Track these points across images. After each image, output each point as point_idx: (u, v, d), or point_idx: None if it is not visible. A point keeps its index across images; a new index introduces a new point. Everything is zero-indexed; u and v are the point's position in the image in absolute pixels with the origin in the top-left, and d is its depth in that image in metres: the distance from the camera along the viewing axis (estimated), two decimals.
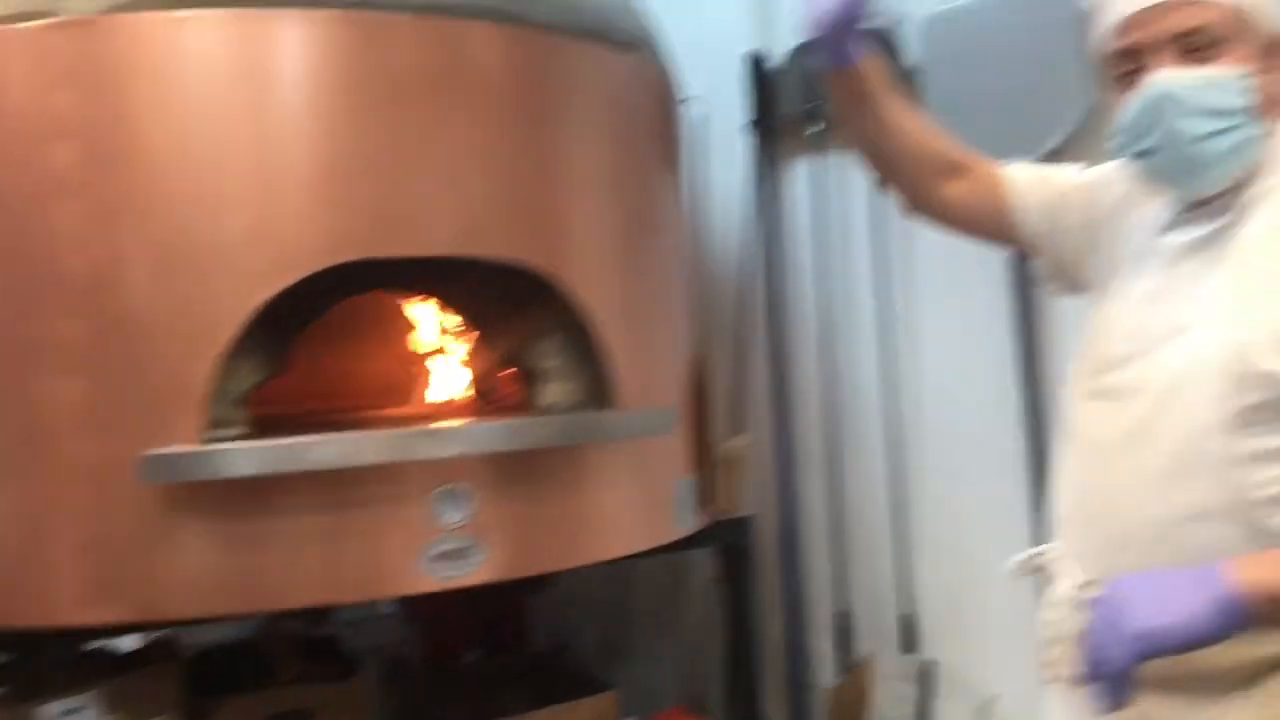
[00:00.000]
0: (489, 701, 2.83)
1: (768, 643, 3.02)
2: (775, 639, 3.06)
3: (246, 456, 1.99)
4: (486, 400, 2.69)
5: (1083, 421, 1.42)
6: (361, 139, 2.14)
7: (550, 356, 2.46)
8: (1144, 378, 1.33)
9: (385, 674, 3.04)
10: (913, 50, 2.98)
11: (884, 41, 3.01)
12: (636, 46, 2.58)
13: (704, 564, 3.15)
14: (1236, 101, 1.30)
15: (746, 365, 3.26)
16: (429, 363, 2.83)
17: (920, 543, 2.87)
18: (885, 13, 3.07)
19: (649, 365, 2.55)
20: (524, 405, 2.49)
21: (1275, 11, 1.36)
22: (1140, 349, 1.36)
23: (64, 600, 2.04)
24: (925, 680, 2.79)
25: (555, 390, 2.46)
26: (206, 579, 2.04)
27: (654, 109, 2.66)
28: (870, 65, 1.68)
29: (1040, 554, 1.50)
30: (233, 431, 2.13)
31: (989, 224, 1.69)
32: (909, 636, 2.84)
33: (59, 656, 2.38)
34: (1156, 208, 1.44)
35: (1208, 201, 1.36)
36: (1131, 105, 1.34)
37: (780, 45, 3.24)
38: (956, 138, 1.81)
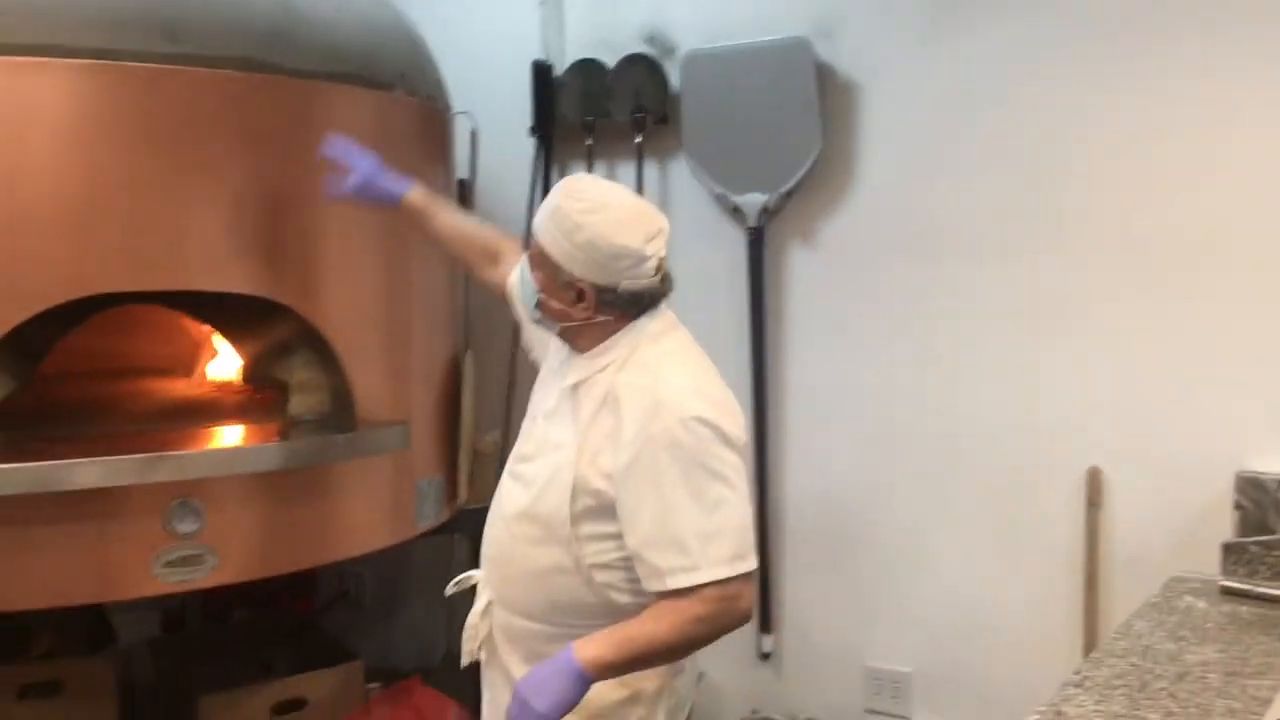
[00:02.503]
0: (248, 662, 3.10)
1: None
2: None
3: None
4: (242, 395, 2.88)
5: (503, 492, 1.99)
6: (109, 181, 2.30)
7: (298, 370, 2.68)
8: (534, 473, 1.89)
9: (152, 640, 3.28)
10: (674, 81, 3.23)
11: (652, 68, 3.27)
12: (395, 82, 2.75)
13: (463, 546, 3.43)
14: (531, 298, 1.90)
15: (518, 365, 3.50)
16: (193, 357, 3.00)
17: None
18: (657, 42, 3.31)
19: (395, 377, 2.79)
20: (274, 410, 2.70)
21: (580, 266, 1.82)
22: (537, 451, 1.92)
23: None
24: None
25: (301, 402, 2.69)
26: None
27: (413, 136, 2.85)
28: (409, 201, 2.34)
29: (469, 578, 2.06)
30: None
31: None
32: None
33: None
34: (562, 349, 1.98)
35: (579, 356, 1.90)
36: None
37: (564, 56, 3.44)
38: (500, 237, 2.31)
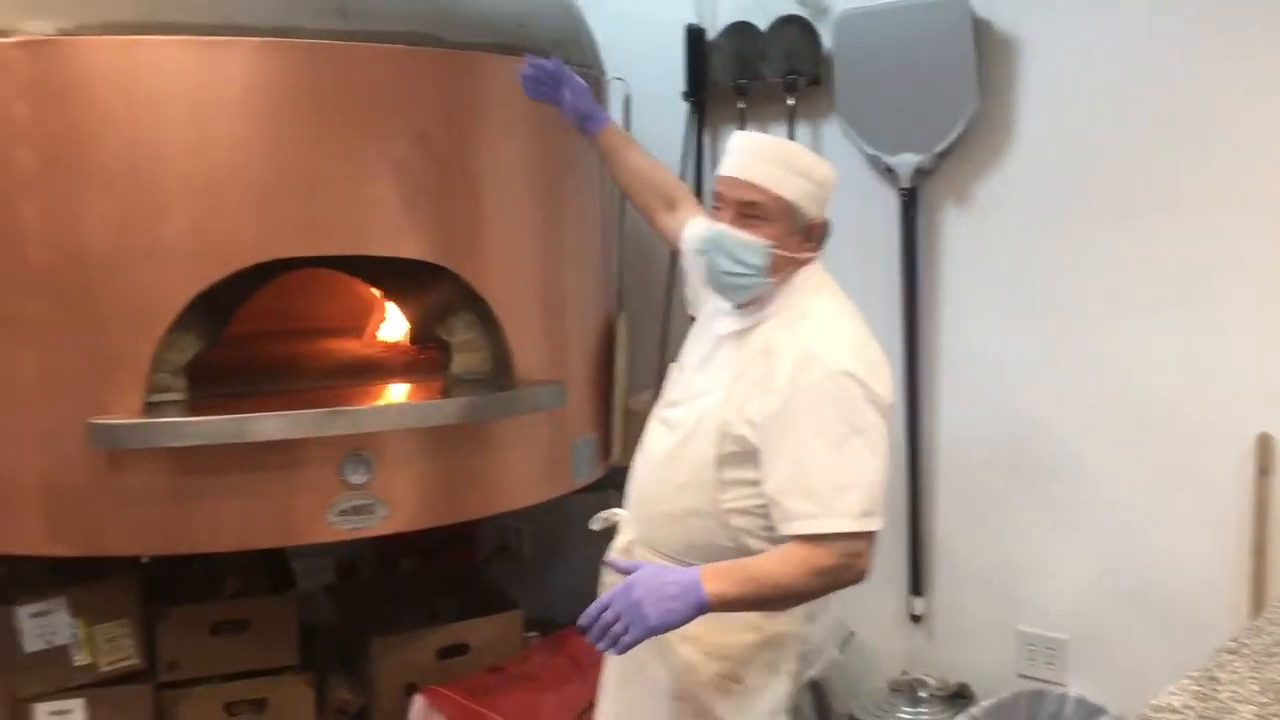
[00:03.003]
0: (416, 609, 3.28)
1: None
2: None
3: (179, 431, 2.37)
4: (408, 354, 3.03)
5: (650, 436, 2.07)
6: (287, 152, 2.45)
7: (460, 331, 2.80)
8: (682, 419, 1.96)
9: (328, 585, 3.49)
10: (828, 40, 3.21)
11: (805, 29, 3.27)
12: (551, 51, 2.82)
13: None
14: (755, 261, 1.87)
15: (671, 325, 3.57)
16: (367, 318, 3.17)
17: None
18: (810, 3, 3.30)
19: (551, 338, 2.89)
20: (437, 369, 2.84)
21: (817, 205, 1.92)
22: (685, 398, 1.99)
23: (28, 536, 2.46)
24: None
25: (464, 361, 2.81)
26: (144, 524, 2.44)
27: None
28: (605, 135, 2.43)
29: (615, 515, 2.14)
30: (174, 397, 2.49)
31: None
32: None
33: (36, 567, 2.81)
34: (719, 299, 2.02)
35: (740, 306, 1.95)
36: (706, 230, 1.94)
37: (717, 20, 3.46)
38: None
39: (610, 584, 1.89)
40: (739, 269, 1.89)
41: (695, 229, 2.04)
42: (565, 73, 2.47)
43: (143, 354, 2.41)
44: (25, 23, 2.34)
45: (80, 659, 2.75)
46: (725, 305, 1.99)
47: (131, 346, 2.40)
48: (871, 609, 3.20)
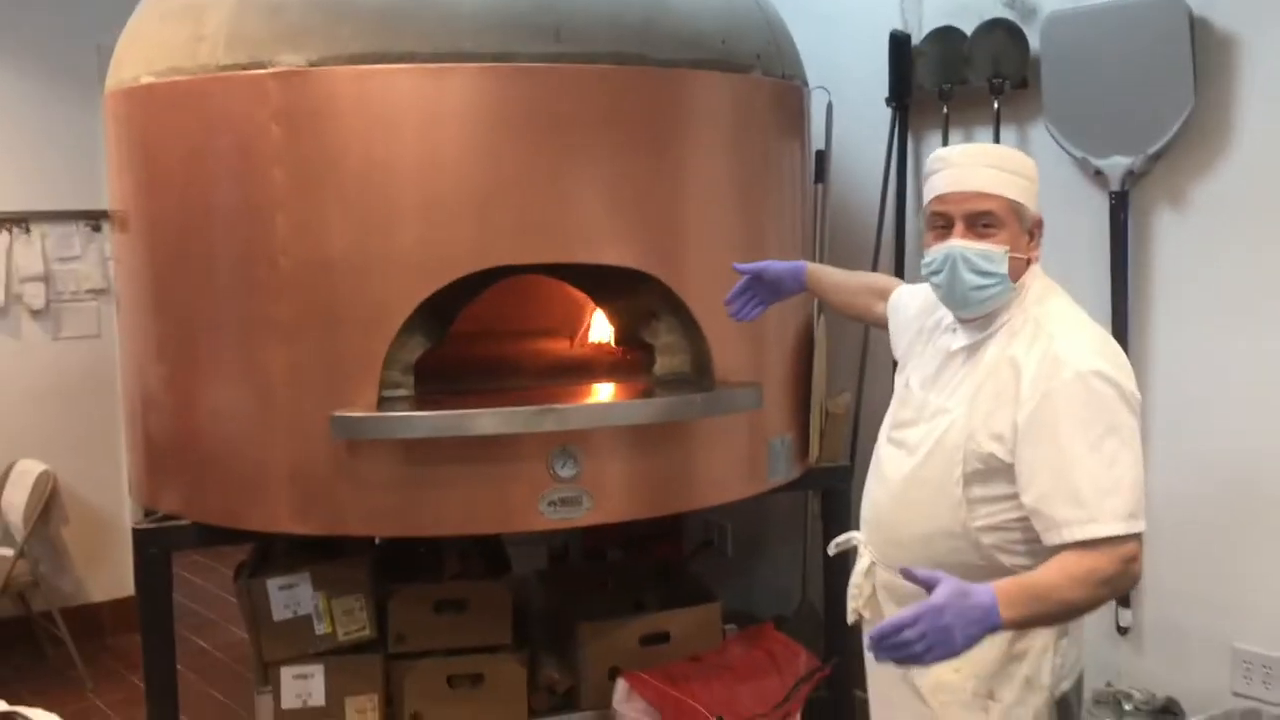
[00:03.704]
0: (621, 598, 3.44)
1: None
2: None
3: (409, 424, 2.60)
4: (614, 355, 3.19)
5: (883, 458, 2.05)
6: (505, 168, 2.64)
7: (663, 334, 2.94)
8: (919, 439, 1.95)
9: (540, 571, 3.70)
10: (1035, 42, 3.18)
11: (1012, 32, 3.24)
12: (753, 64, 2.93)
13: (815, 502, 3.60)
14: (999, 269, 1.86)
15: (872, 328, 3.59)
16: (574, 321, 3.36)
17: None
18: (1018, 5, 3.27)
19: (750, 341, 2.98)
20: (641, 370, 2.98)
21: (1034, 201, 1.93)
22: (919, 418, 1.97)
23: (277, 515, 2.74)
24: None
25: (666, 363, 2.95)
26: (378, 508, 2.69)
27: (770, 113, 3.02)
28: (810, 277, 2.45)
29: (850, 540, 2.17)
30: (402, 393, 2.73)
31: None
32: None
33: (285, 545, 3.12)
34: (941, 316, 2.04)
35: (970, 321, 1.95)
36: (938, 251, 1.91)
37: (922, 25, 3.48)
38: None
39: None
40: (985, 280, 1.86)
41: (927, 258, 1.96)
42: (750, 272, 2.46)
43: (376, 353, 2.65)
44: (281, 55, 2.62)
45: (320, 629, 3.04)
46: (949, 320, 2.00)
47: (367, 346, 2.64)
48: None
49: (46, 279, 4.40)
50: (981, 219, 1.87)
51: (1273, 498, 2.84)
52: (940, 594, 1.63)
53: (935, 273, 1.91)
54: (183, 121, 2.74)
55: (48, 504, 4.13)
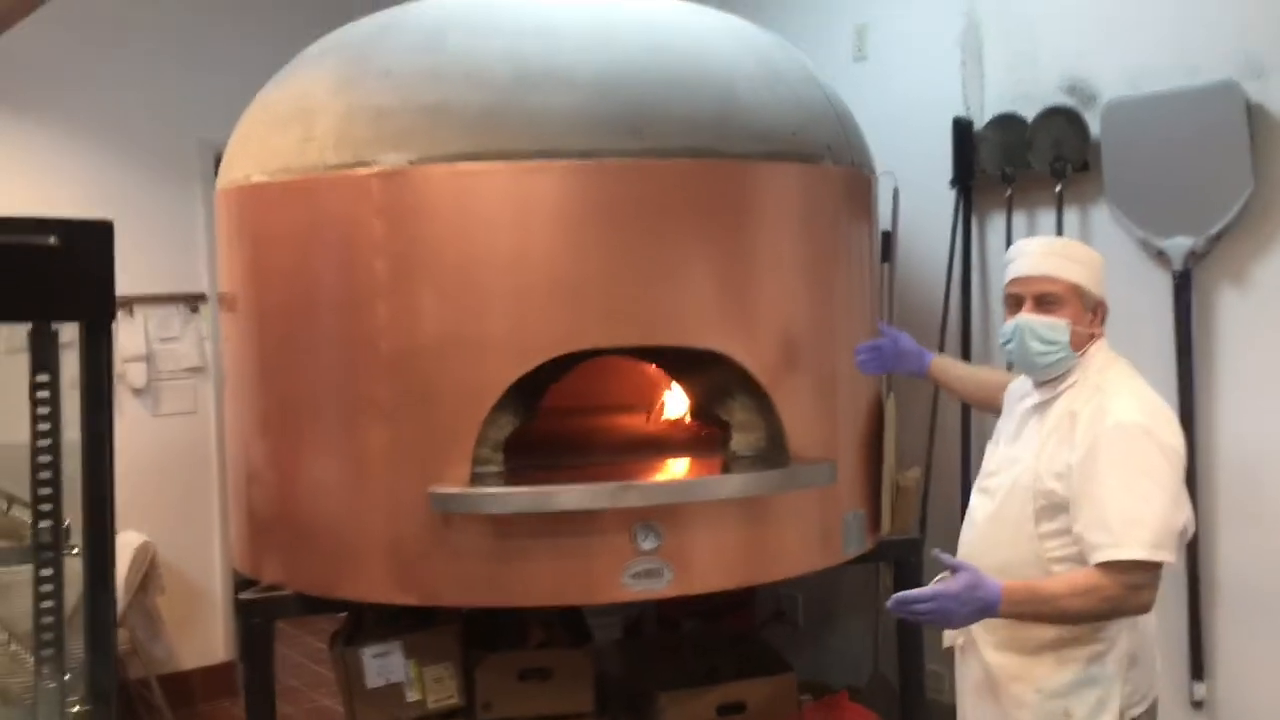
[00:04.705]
0: (697, 667, 3.53)
1: (930, 649, 3.50)
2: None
3: (501, 500, 2.75)
4: (691, 430, 3.31)
5: (973, 506, 2.35)
6: (590, 257, 2.81)
7: (738, 411, 3.07)
8: (999, 485, 2.25)
9: (617, 640, 3.80)
10: (1095, 127, 3.30)
11: (1072, 118, 3.37)
12: (823, 154, 3.08)
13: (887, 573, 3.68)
14: (1061, 338, 2.18)
15: (939, 405, 3.70)
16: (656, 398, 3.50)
17: None
18: (1078, 92, 3.40)
19: (823, 418, 3.10)
20: (717, 445, 3.11)
21: (1098, 285, 2.25)
22: (1001, 468, 2.28)
23: (375, 585, 2.89)
24: None
25: (742, 439, 3.07)
26: (470, 579, 2.83)
27: (840, 200, 3.17)
28: (934, 367, 2.83)
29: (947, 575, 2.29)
30: (493, 469, 2.88)
31: None
32: None
33: (376, 614, 3.26)
34: (1022, 382, 2.38)
35: (1042, 384, 2.26)
36: (1010, 324, 2.26)
37: (984, 112, 3.62)
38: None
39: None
40: (1046, 348, 2.20)
41: (1003, 331, 2.28)
42: (889, 337, 2.89)
43: (470, 431, 2.81)
44: (383, 155, 2.82)
45: (411, 695, 3.17)
46: (1028, 386, 2.30)
47: (461, 425, 2.80)
48: None
49: (148, 358, 4.64)
50: (1047, 298, 2.20)
51: None
52: (958, 581, 2.02)
53: (1008, 342, 2.25)
54: (291, 216, 2.95)
55: (146, 574, 4.32)
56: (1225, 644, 3.13)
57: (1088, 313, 2.22)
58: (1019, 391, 2.38)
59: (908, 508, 3.42)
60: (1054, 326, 2.18)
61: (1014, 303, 2.26)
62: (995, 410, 2.57)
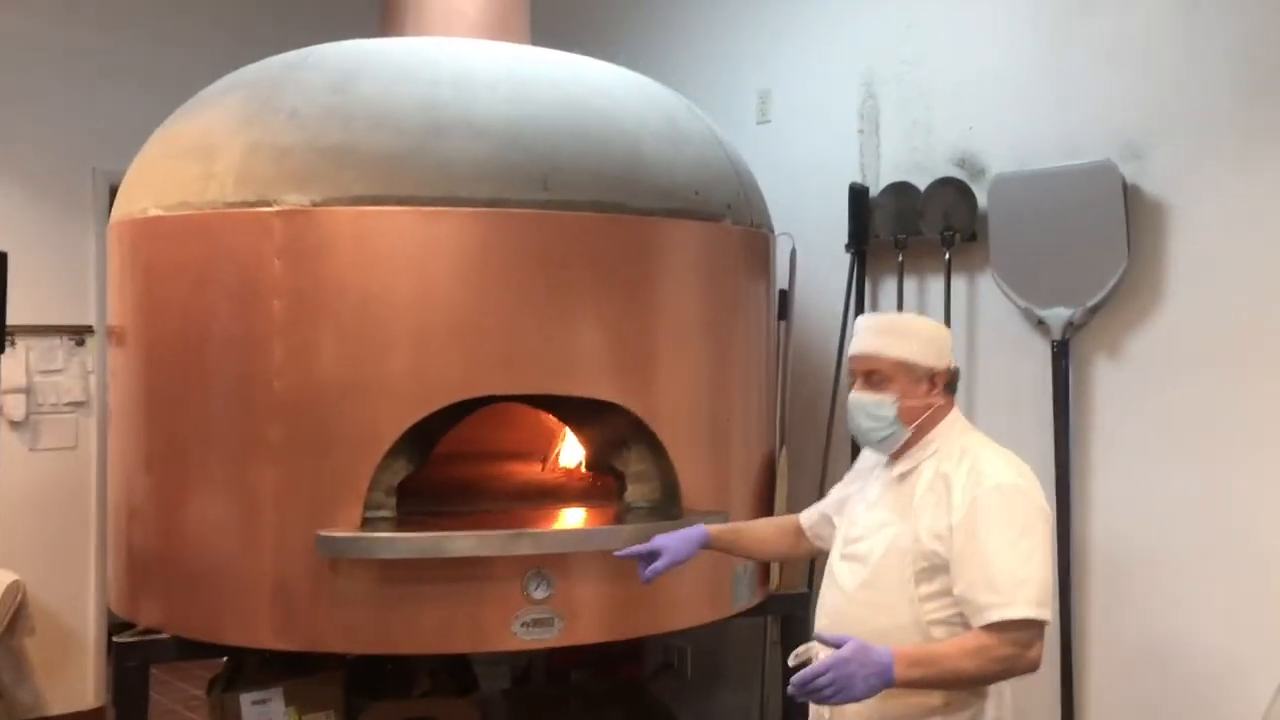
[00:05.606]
0: (585, 718, 3.52)
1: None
2: None
3: (391, 545, 2.73)
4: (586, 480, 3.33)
5: (837, 571, 2.33)
6: (491, 304, 2.83)
7: (633, 462, 3.10)
8: (868, 549, 2.25)
9: (504, 690, 3.77)
10: (983, 200, 3.44)
11: (962, 190, 3.51)
12: (723, 213, 3.16)
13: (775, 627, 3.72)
14: (887, 414, 2.24)
15: (830, 460, 3.78)
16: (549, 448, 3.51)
17: None
18: (967, 165, 3.55)
19: (716, 471, 3.15)
20: (611, 496, 3.13)
21: (933, 356, 2.26)
22: (866, 534, 2.28)
23: (258, 630, 2.83)
24: None
25: (636, 490, 3.10)
26: (357, 625, 2.79)
27: (739, 258, 3.25)
28: (713, 539, 2.55)
29: (809, 650, 2.32)
30: (385, 514, 2.85)
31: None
32: None
33: (257, 659, 3.19)
34: (875, 465, 2.38)
35: (894, 457, 2.29)
36: (848, 402, 2.31)
37: (879, 180, 3.75)
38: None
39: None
40: (874, 424, 2.26)
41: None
42: (636, 554, 2.52)
43: (363, 475, 2.78)
44: (285, 195, 2.81)
45: None
46: (882, 461, 2.34)
47: (355, 468, 2.78)
48: None
49: (28, 390, 4.49)
50: (874, 376, 2.27)
51: (1211, 647, 2.96)
52: (847, 649, 1.98)
53: (848, 418, 2.32)
54: (188, 252, 2.91)
55: (15, 614, 4.16)
56: (1095, 705, 3.23)
57: (919, 385, 2.25)
58: (871, 460, 2.41)
59: (796, 564, 3.48)
60: (880, 403, 2.24)
61: (852, 379, 2.33)
62: (802, 558, 2.59)
